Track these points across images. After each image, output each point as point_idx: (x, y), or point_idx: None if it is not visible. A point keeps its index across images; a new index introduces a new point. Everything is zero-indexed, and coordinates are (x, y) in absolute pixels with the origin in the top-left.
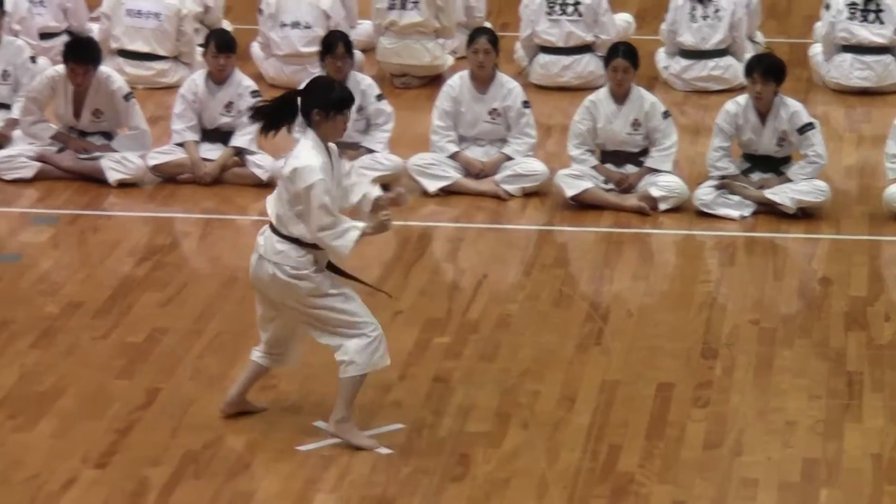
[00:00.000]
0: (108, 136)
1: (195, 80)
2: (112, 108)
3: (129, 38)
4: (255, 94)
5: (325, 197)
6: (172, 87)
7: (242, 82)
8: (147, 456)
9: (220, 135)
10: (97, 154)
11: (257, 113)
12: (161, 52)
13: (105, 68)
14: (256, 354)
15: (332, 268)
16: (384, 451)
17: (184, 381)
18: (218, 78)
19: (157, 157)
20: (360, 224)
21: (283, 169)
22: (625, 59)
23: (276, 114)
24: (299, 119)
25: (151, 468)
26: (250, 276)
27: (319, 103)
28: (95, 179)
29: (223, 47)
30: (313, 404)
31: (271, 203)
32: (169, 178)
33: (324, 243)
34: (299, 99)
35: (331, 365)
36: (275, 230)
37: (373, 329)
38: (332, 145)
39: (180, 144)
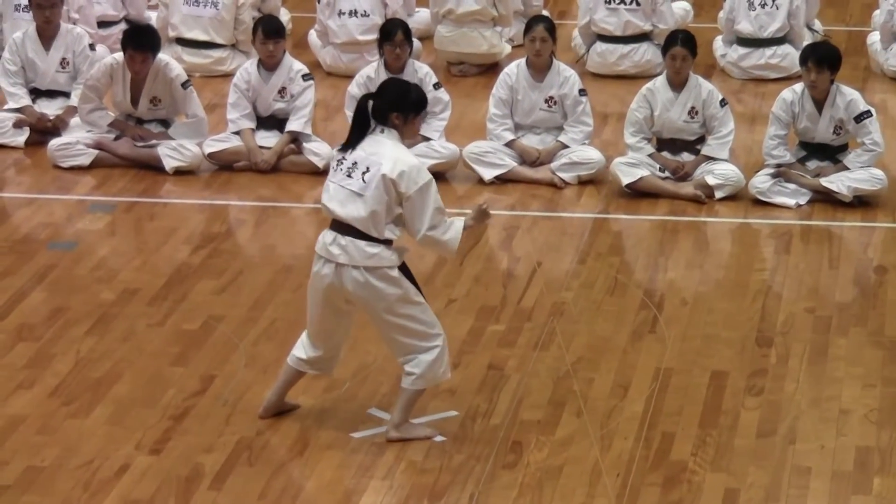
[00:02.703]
0: (165, 123)
1: (247, 68)
2: (170, 95)
3: (186, 27)
4: (306, 77)
5: (439, 195)
6: (230, 75)
7: (293, 66)
8: (201, 443)
9: (275, 121)
10: (154, 142)
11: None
12: (219, 41)
13: (163, 56)
14: (297, 361)
15: (404, 270)
16: (438, 438)
17: (238, 369)
18: (269, 64)
19: (213, 145)
20: (462, 218)
21: (381, 170)
22: (683, 47)
23: (357, 125)
24: None
25: (205, 455)
26: (322, 287)
27: (398, 106)
28: (152, 167)
29: (271, 33)
30: (367, 392)
31: (349, 208)
32: (225, 165)
33: (433, 240)
34: (371, 102)
35: (386, 354)
36: (361, 235)
37: (442, 340)
38: None
39: (236, 133)
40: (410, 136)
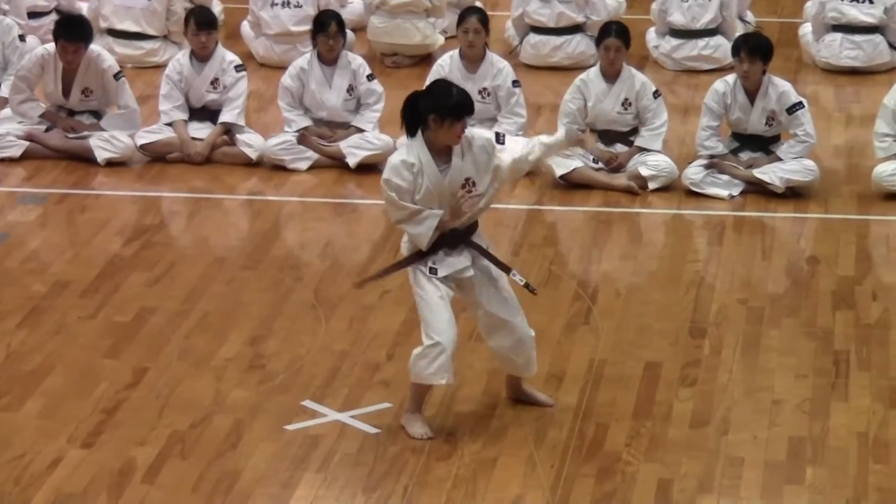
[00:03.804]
0: (97, 115)
1: (179, 59)
2: (102, 86)
3: (118, 18)
4: (238, 68)
5: (391, 193)
6: (162, 67)
7: (226, 57)
8: (134, 436)
9: (207, 113)
10: (86, 133)
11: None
12: (150, 32)
13: (95, 47)
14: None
15: (480, 249)
16: (371, 430)
17: (171, 361)
18: (201, 56)
19: (145, 137)
20: (438, 211)
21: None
22: (617, 38)
23: (408, 118)
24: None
25: (138, 448)
26: None
27: (436, 108)
28: (84, 158)
29: (203, 24)
30: (301, 384)
31: None
32: (158, 157)
33: (406, 231)
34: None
35: (320, 346)
36: None
37: (433, 344)
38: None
39: (169, 124)
40: (448, 141)
